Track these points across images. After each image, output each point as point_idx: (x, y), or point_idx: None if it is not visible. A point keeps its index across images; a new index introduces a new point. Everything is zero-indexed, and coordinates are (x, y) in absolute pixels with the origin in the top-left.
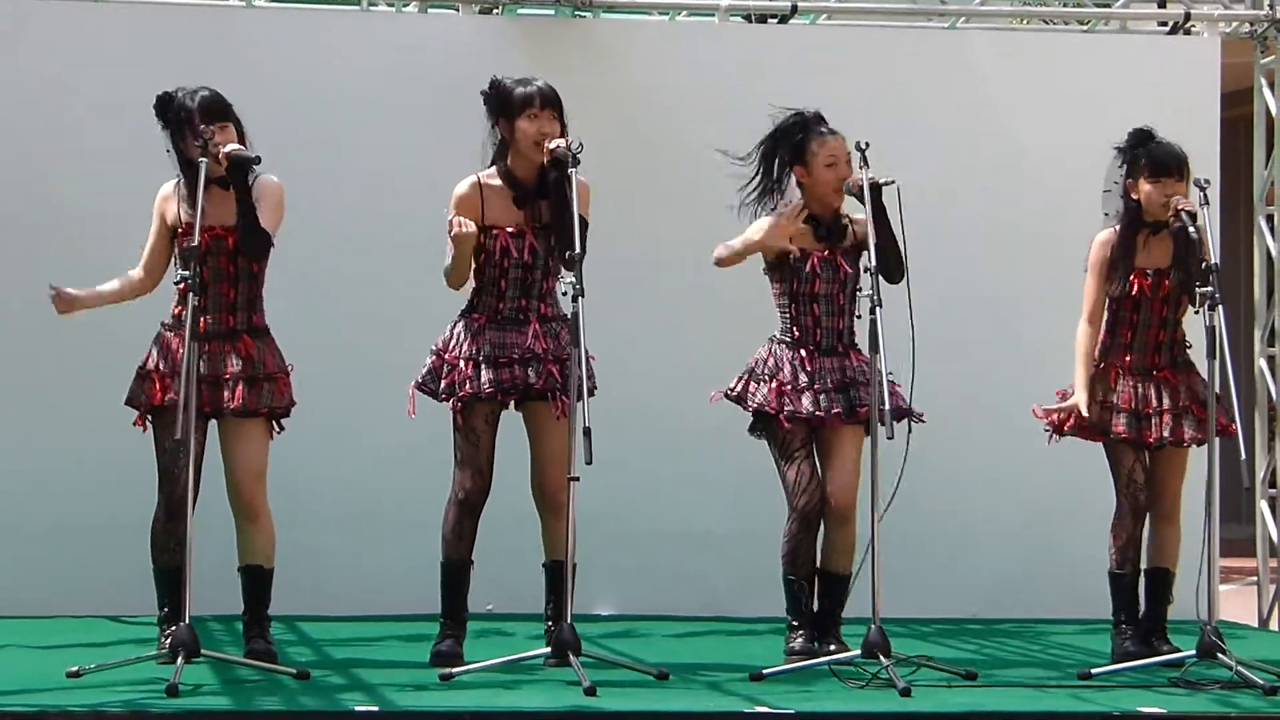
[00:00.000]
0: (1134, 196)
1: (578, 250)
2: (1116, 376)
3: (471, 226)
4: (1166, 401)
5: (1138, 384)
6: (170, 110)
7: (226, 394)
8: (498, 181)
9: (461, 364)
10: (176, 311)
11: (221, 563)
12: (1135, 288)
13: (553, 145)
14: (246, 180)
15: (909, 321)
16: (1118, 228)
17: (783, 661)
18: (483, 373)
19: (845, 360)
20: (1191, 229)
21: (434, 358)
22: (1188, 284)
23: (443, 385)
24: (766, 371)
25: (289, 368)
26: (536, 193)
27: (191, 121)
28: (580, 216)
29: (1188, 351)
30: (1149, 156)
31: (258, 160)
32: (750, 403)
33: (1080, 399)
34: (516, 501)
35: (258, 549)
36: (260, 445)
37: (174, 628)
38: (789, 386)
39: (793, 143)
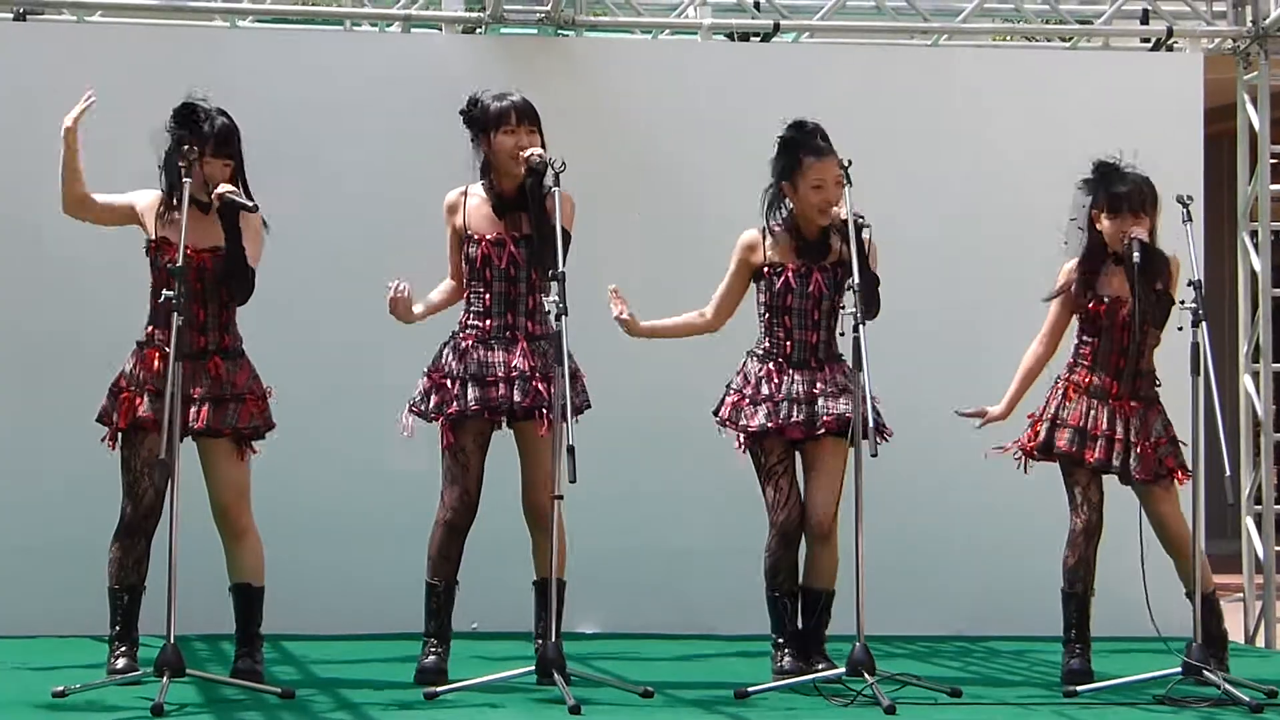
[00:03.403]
0: (1097, 227)
1: (560, 268)
2: (1072, 393)
3: None
4: (1119, 430)
5: (1091, 405)
6: (187, 122)
7: (193, 413)
8: (482, 194)
9: (448, 383)
10: (149, 331)
11: (206, 582)
12: (1092, 313)
13: (527, 154)
14: (236, 222)
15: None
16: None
17: (769, 680)
18: (469, 391)
19: (819, 373)
20: (1136, 255)
21: (425, 379)
22: (1143, 312)
23: (431, 404)
24: (734, 385)
25: (267, 390)
26: (516, 204)
27: (198, 142)
28: (562, 229)
29: (1156, 389)
30: (1107, 192)
31: (254, 209)
32: (718, 416)
33: (996, 408)
34: (502, 520)
35: (245, 568)
36: (236, 465)
37: (124, 648)
38: (747, 400)
39: (785, 158)
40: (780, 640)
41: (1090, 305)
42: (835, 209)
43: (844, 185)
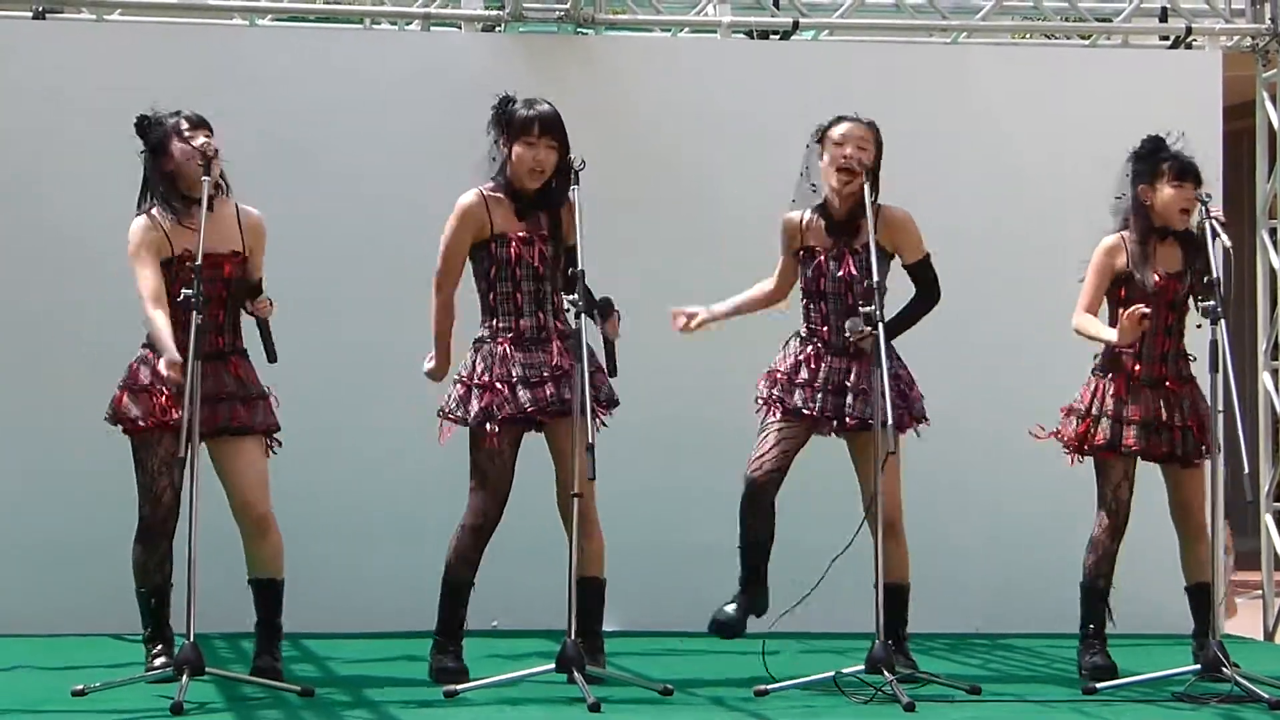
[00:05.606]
0: (1146, 202)
1: (579, 266)
2: (1126, 388)
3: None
4: (1178, 417)
5: (1148, 396)
6: (154, 130)
7: (225, 412)
8: (500, 194)
9: (498, 385)
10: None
11: (226, 580)
12: (1156, 289)
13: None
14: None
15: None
16: (1125, 234)
17: (788, 677)
18: (520, 393)
19: (855, 361)
20: (1226, 240)
21: (460, 386)
22: (1228, 287)
23: (477, 409)
24: (773, 362)
25: (268, 390)
26: (537, 204)
27: (180, 136)
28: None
29: (1190, 365)
30: (1173, 161)
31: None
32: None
33: (1111, 333)
34: (523, 519)
35: (268, 561)
36: (261, 459)
37: (160, 646)
38: (785, 378)
39: (824, 124)
40: (743, 577)
41: (1157, 282)
42: (857, 181)
43: (866, 151)
